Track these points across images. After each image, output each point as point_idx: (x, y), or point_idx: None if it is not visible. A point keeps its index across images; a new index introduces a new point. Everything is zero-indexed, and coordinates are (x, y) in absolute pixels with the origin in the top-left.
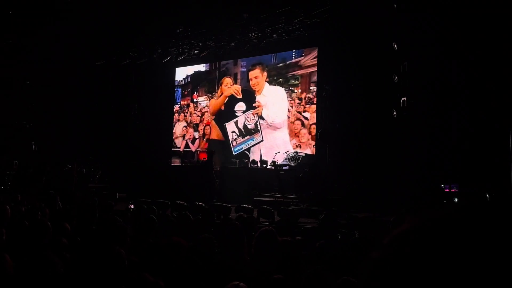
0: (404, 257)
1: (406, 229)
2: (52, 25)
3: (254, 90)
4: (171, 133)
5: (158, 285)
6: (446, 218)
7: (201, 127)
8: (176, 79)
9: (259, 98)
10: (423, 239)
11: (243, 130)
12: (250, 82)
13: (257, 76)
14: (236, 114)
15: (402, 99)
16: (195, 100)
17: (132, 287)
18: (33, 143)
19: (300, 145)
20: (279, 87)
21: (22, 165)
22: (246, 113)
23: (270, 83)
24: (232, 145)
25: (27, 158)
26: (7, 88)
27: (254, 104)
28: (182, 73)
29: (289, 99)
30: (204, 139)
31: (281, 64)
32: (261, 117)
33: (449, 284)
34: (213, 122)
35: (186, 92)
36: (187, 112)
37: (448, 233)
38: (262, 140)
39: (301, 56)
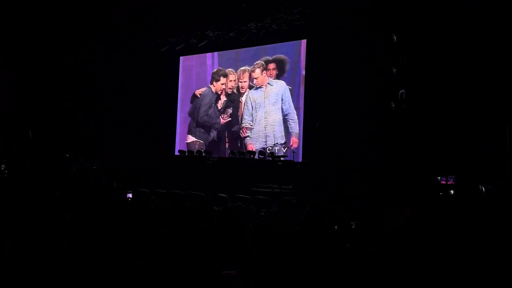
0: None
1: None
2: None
3: None
4: (174, 125)
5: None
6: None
7: None
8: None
9: None
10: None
11: None
12: None
13: None
14: None
15: (401, 91)
16: None
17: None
18: (30, 131)
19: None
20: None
21: (20, 154)
22: None
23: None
24: None
25: (24, 146)
26: (3, 75)
27: None
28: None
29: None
30: None
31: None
32: None
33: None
34: None
35: None
36: None
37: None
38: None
39: None
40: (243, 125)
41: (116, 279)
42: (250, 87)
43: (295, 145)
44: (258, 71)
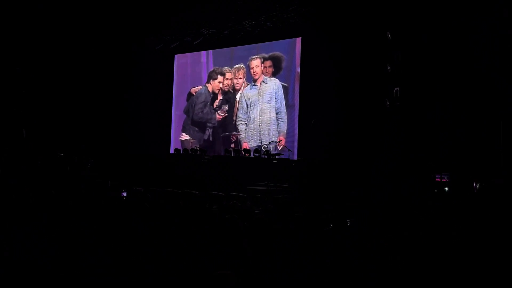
0: None
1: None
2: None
3: None
4: (169, 123)
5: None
6: None
7: None
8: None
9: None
10: None
11: None
12: None
13: None
14: None
15: (395, 89)
16: None
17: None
18: (23, 130)
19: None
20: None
21: (14, 152)
22: None
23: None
24: None
25: (18, 145)
26: None
27: None
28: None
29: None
30: None
31: None
32: None
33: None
34: None
35: None
36: None
37: None
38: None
39: None
40: (238, 124)
41: (110, 277)
42: (248, 81)
43: (282, 144)
44: (258, 61)
